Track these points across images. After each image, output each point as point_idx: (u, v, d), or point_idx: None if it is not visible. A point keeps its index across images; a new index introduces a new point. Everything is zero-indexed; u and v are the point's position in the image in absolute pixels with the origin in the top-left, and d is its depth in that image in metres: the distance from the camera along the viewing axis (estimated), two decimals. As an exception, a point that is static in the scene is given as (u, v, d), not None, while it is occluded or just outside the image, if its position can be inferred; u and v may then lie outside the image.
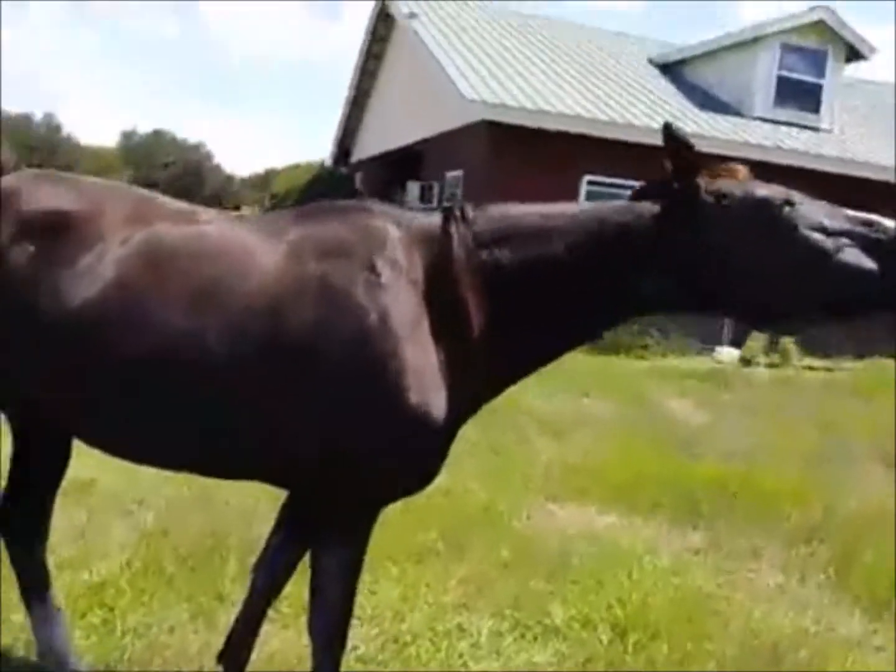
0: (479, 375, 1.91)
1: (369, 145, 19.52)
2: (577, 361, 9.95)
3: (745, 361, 11.28)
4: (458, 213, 1.92)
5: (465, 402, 1.93)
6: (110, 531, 3.69)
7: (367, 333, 1.78)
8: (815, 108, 14.38)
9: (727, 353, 11.53)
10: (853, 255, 1.68)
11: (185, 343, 1.79)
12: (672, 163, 1.77)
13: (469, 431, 6.22)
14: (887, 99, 18.63)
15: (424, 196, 14.31)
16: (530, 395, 7.62)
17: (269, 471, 1.97)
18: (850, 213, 1.76)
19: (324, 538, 1.98)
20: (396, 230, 1.90)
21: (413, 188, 14.77)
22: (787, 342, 11.57)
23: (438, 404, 1.82)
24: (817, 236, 1.70)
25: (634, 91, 13.89)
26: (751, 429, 6.96)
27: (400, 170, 15.91)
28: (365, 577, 3.13)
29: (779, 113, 14.12)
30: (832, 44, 14.24)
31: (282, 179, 38.00)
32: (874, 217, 1.74)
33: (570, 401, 7.63)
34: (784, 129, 13.90)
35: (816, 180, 12.53)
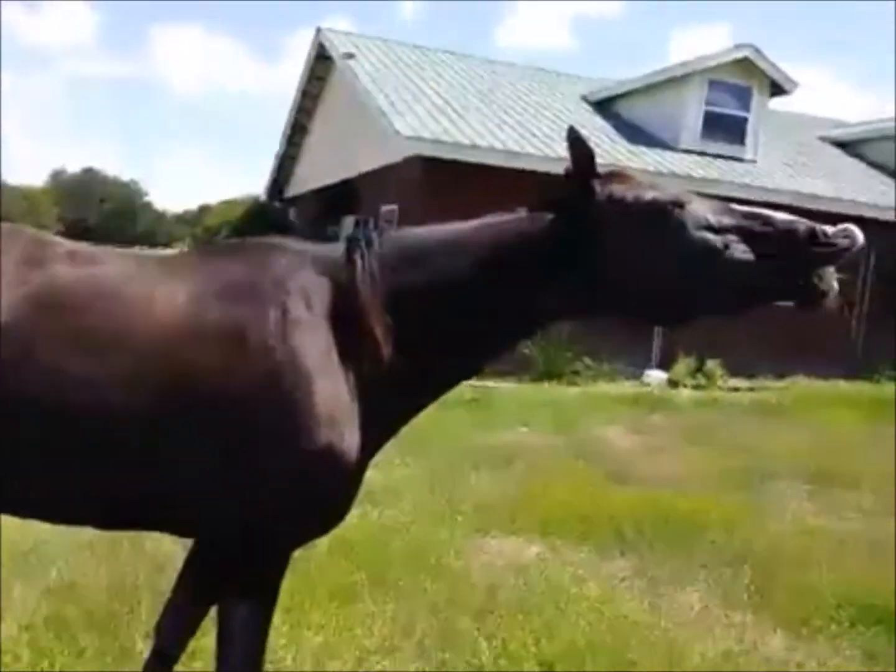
0: (391, 405, 1.90)
1: (305, 181, 19.57)
2: (512, 391, 10.10)
3: (673, 384, 11.57)
4: (362, 241, 1.92)
5: (378, 434, 1.94)
6: (9, 589, 3.39)
7: (274, 374, 1.75)
8: (741, 141, 15.01)
9: (655, 377, 11.80)
10: (740, 250, 1.73)
11: (79, 390, 1.71)
12: (573, 167, 1.82)
13: (403, 466, 6.25)
14: (808, 131, 19.53)
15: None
16: (467, 427, 7.69)
17: (174, 522, 1.92)
18: (739, 208, 1.81)
19: (231, 589, 1.92)
20: (301, 265, 1.89)
21: (348, 223, 14.83)
22: (713, 364, 11.91)
23: (350, 442, 1.81)
24: (705, 234, 1.75)
25: (567, 125, 14.21)
26: (678, 452, 7.13)
27: (335, 205, 15.99)
28: (284, 627, 3.11)
29: (706, 145, 14.69)
30: (756, 80, 14.87)
31: (215, 215, 37.64)
32: (762, 211, 1.82)
33: (506, 431, 7.70)
34: (711, 160, 14.43)
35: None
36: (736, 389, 11.48)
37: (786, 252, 1.73)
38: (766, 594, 4.08)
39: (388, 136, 12.31)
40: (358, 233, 1.97)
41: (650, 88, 15.46)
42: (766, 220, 1.77)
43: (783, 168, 15.37)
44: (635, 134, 14.95)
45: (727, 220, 1.76)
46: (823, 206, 13.80)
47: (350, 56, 15.17)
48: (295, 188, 20.76)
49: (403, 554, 4.24)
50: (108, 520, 1.98)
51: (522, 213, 1.93)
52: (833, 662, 3.45)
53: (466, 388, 9.87)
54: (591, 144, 1.84)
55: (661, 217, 1.77)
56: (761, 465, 6.65)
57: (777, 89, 15.23)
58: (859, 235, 1.72)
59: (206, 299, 1.80)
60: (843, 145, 18.91)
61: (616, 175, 1.88)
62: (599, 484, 5.87)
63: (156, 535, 3.45)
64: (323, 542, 3.54)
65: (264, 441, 1.76)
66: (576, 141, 1.82)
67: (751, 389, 11.51)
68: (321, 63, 17.35)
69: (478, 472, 6.03)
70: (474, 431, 7.53)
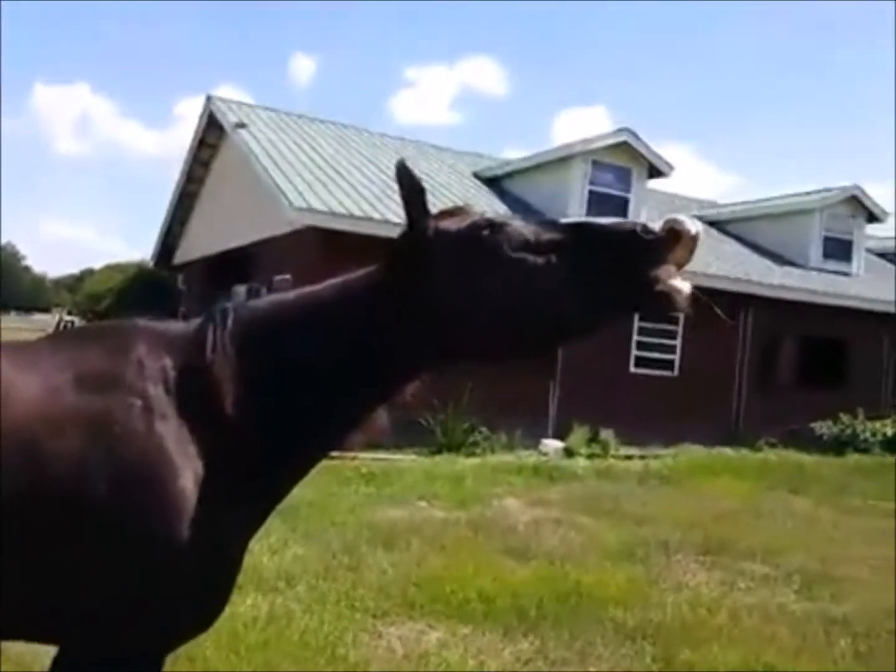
0: (260, 485, 1.82)
1: (194, 248, 19.13)
2: (410, 463, 9.94)
3: (569, 453, 11.70)
4: (217, 315, 1.85)
5: (250, 517, 1.84)
6: None
7: (136, 466, 1.65)
8: (623, 219, 15.70)
9: (552, 446, 11.92)
10: (562, 266, 1.62)
11: None
12: (404, 205, 1.74)
13: (296, 547, 5.94)
14: (684, 210, 20.74)
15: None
16: (364, 502, 7.47)
17: (34, 628, 1.75)
18: (564, 221, 1.72)
19: None
20: (160, 347, 1.80)
21: (240, 291, 14.49)
22: (606, 434, 12.16)
23: (219, 532, 1.72)
24: (523, 255, 1.64)
25: (459, 201, 14.55)
26: (577, 524, 7.13)
27: (227, 273, 15.62)
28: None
29: (590, 223, 15.31)
30: (635, 162, 15.75)
31: (98, 280, 36.18)
32: (585, 220, 1.73)
33: (404, 506, 7.51)
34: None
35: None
36: (629, 458, 11.71)
37: (614, 255, 1.59)
38: (668, 669, 4.05)
39: (281, 207, 12.22)
40: (216, 307, 1.90)
41: (538, 167, 16.12)
42: (587, 228, 1.68)
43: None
44: (524, 210, 15.44)
45: (549, 236, 1.66)
46: (703, 283, 14.55)
47: (242, 125, 15.10)
48: (184, 255, 20.25)
49: (297, 646, 4.00)
50: None
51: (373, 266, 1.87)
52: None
53: (362, 462, 9.64)
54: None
55: (477, 243, 1.69)
56: (657, 536, 6.72)
57: (655, 171, 16.15)
58: (687, 223, 1.56)
59: (63, 390, 1.70)
60: (716, 224, 20.19)
61: (449, 212, 1.82)
62: (500, 560, 5.76)
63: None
64: (209, 636, 3.27)
65: (128, 537, 1.65)
66: (405, 177, 1.72)
67: (642, 458, 11.77)
68: (212, 130, 17.19)
69: (375, 551, 5.81)
70: (371, 507, 7.31)
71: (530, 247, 1.65)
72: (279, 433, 1.80)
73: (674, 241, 1.55)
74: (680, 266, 1.57)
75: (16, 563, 1.62)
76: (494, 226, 1.69)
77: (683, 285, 1.55)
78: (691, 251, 1.55)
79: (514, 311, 1.66)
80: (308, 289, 1.92)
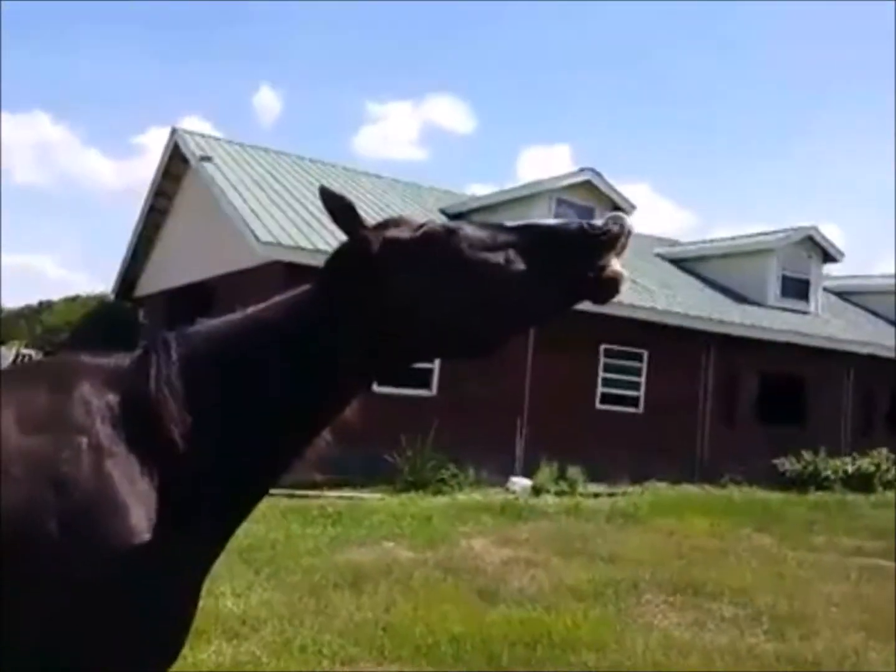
0: (212, 518, 1.77)
1: (157, 280, 18.86)
2: (376, 502, 9.82)
3: (537, 491, 11.65)
4: (158, 345, 1.81)
5: (204, 551, 1.80)
6: None
7: (84, 505, 1.60)
8: (625, 238, 15.92)
9: (520, 484, 11.87)
10: (522, 261, 1.75)
11: None
12: (337, 222, 1.79)
13: (261, 590, 5.78)
14: (646, 248, 21.08)
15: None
16: (330, 543, 7.33)
17: None
18: (512, 224, 1.83)
19: None
20: (104, 383, 1.75)
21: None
22: (574, 471, 12.15)
23: (175, 568, 1.67)
24: (484, 255, 1.75)
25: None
26: (546, 565, 7.06)
27: (190, 306, 15.41)
28: None
29: (554, 261, 15.46)
30: (598, 200, 16.05)
31: (58, 312, 35.52)
32: (534, 221, 1.85)
33: (371, 547, 7.38)
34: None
35: (585, 319, 13.68)
36: (596, 495, 11.71)
37: (565, 252, 1.75)
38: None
39: (246, 241, 12.14)
40: (157, 336, 1.86)
41: (504, 204, 16.32)
42: (539, 229, 1.81)
43: (624, 282, 16.31)
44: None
45: (503, 237, 1.77)
46: (666, 320, 14.79)
47: (207, 159, 15.02)
48: (146, 287, 19.96)
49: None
50: None
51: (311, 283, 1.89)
52: None
53: (328, 501, 9.49)
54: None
55: (438, 248, 1.76)
56: (626, 576, 6.69)
57: (617, 209, 16.42)
58: (627, 220, 1.78)
59: (3, 434, 1.63)
60: (677, 262, 20.56)
61: (391, 222, 1.87)
62: (470, 602, 5.67)
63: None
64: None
65: (80, 581, 1.58)
66: (330, 198, 1.78)
67: (610, 495, 11.78)
68: (176, 163, 17.07)
69: (342, 594, 5.68)
70: (338, 548, 7.18)
71: (488, 247, 1.76)
72: (230, 463, 1.77)
73: (617, 234, 1.76)
74: (617, 255, 1.78)
75: None
76: (451, 231, 1.78)
77: (623, 270, 1.78)
78: (626, 244, 1.78)
79: (476, 310, 1.75)
80: (250, 310, 1.91)
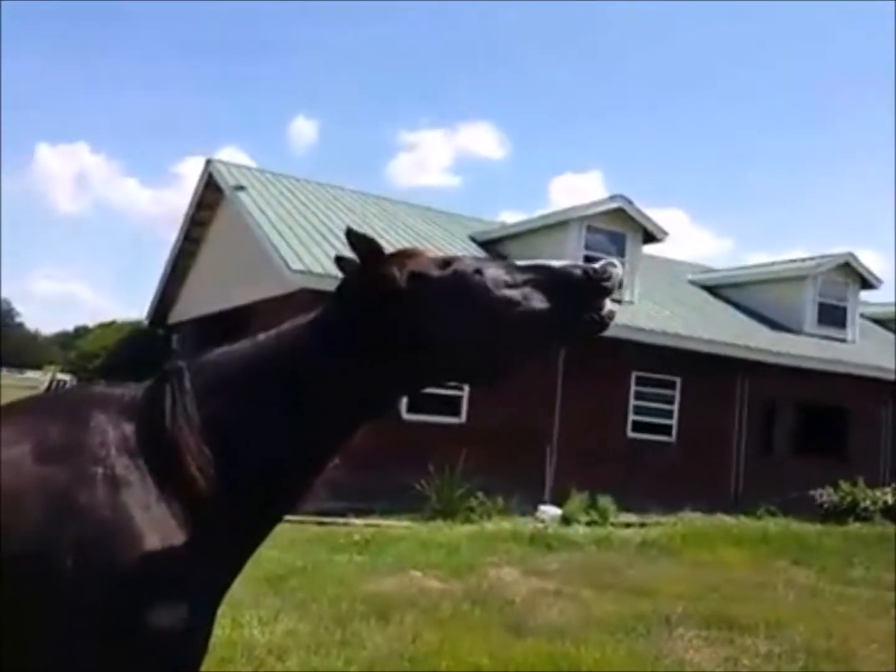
0: (228, 545, 1.79)
1: (190, 307, 19.13)
2: (404, 530, 9.75)
3: (566, 520, 11.47)
4: (172, 374, 1.83)
5: (220, 578, 1.80)
6: None
7: (101, 535, 1.60)
8: (619, 284, 15.75)
9: (549, 513, 11.70)
10: (537, 299, 1.90)
11: None
12: (366, 262, 1.87)
13: (286, 619, 5.75)
14: (679, 275, 20.93)
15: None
16: (356, 572, 7.28)
17: None
18: (523, 263, 1.99)
19: None
20: (120, 413, 1.77)
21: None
22: (605, 501, 11.96)
23: (192, 602, 1.67)
24: (507, 292, 1.90)
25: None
26: (576, 597, 6.94)
27: (222, 333, 15.56)
28: None
29: (586, 288, 15.30)
30: (630, 227, 15.90)
31: (93, 338, 36.13)
32: (542, 262, 2.01)
33: (398, 576, 7.31)
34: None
35: (616, 346, 13.57)
36: (628, 525, 11.50)
37: (571, 292, 1.93)
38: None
39: (277, 268, 12.27)
40: (170, 365, 1.88)
41: (535, 231, 16.26)
42: (550, 270, 1.96)
43: (657, 310, 16.23)
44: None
45: (520, 277, 1.92)
46: (700, 348, 14.60)
47: (241, 188, 15.27)
48: (179, 314, 20.24)
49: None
50: None
51: (317, 312, 1.96)
52: None
53: (355, 529, 9.45)
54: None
55: (468, 286, 1.89)
56: (658, 609, 6.54)
57: (649, 236, 16.33)
58: (619, 267, 1.99)
59: (22, 462, 1.64)
60: (711, 289, 20.35)
61: (404, 253, 1.96)
62: (498, 635, 5.57)
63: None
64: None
65: (97, 611, 1.59)
66: (357, 240, 1.88)
67: (642, 525, 11.56)
68: (210, 192, 17.36)
69: (368, 624, 5.62)
70: (364, 577, 7.12)
71: (510, 285, 1.91)
72: (247, 490, 1.79)
73: (612, 279, 1.95)
74: (608, 296, 1.99)
75: None
76: (478, 269, 1.92)
77: (615, 306, 1.98)
78: (617, 286, 1.99)
79: (492, 342, 1.90)
80: (261, 336, 1.95)
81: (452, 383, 2.38)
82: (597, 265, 1.96)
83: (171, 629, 1.64)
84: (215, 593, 1.81)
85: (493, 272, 1.92)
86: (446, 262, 1.94)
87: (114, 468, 1.67)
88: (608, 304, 1.97)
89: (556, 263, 1.99)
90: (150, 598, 1.61)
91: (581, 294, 1.94)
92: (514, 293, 1.90)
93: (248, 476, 1.80)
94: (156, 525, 1.66)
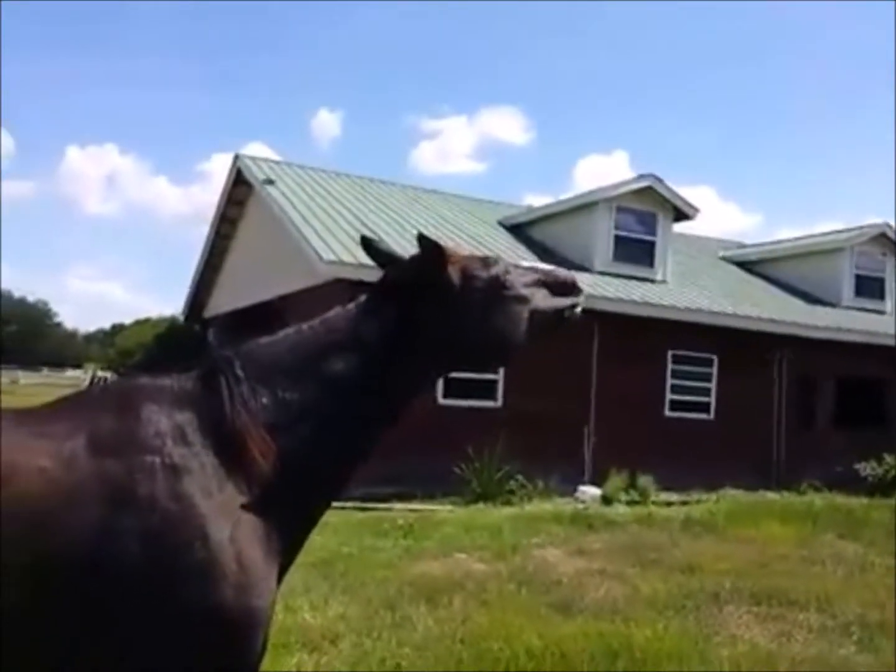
0: (288, 525, 1.82)
1: (224, 301, 19.32)
2: (446, 514, 9.80)
3: (607, 500, 11.45)
4: (223, 364, 1.88)
5: (280, 565, 1.82)
6: None
7: (166, 527, 1.62)
8: (650, 263, 15.62)
9: (589, 493, 11.68)
10: (540, 297, 2.21)
11: None
12: (432, 263, 2.04)
13: (337, 604, 5.81)
14: (710, 252, 20.67)
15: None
16: (402, 556, 7.34)
17: None
18: (525, 264, 2.30)
19: None
20: (171, 402, 1.79)
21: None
22: (645, 479, 11.90)
23: (260, 588, 1.69)
24: (523, 291, 2.17)
25: (483, 248, 14.62)
26: (621, 575, 6.93)
27: (256, 326, 15.67)
28: None
29: (618, 267, 15.20)
30: (660, 207, 15.70)
31: (130, 335, 36.69)
32: (537, 264, 2.38)
33: (442, 559, 7.36)
34: (625, 281, 14.88)
35: (651, 326, 13.47)
36: (669, 504, 11.45)
37: (561, 290, 2.28)
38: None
39: (309, 260, 12.33)
40: (218, 356, 1.94)
41: (563, 214, 16.14)
42: (543, 272, 2.29)
43: (691, 287, 16.05)
44: (550, 257, 15.40)
45: (529, 278, 2.21)
46: (736, 324, 14.44)
47: (270, 182, 15.34)
48: (213, 309, 20.45)
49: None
50: None
51: (361, 300, 2.10)
52: None
53: (398, 513, 9.52)
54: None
55: (502, 287, 2.13)
56: (706, 587, 6.51)
57: (679, 214, 16.12)
58: (577, 276, 2.42)
59: (76, 457, 1.65)
60: (743, 265, 20.07)
61: (454, 256, 2.10)
62: (546, 615, 5.60)
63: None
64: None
65: (167, 605, 1.60)
66: (427, 242, 2.03)
67: (683, 503, 11.51)
68: (240, 187, 17.46)
69: (418, 607, 5.67)
70: (410, 561, 7.19)
71: (525, 286, 2.19)
72: (305, 476, 1.84)
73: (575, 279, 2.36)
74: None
75: (50, 648, 1.58)
76: (508, 272, 2.16)
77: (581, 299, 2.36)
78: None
79: (514, 333, 2.14)
80: (305, 326, 2.03)
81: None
82: (564, 271, 2.36)
83: (239, 616, 1.66)
84: (277, 578, 1.82)
85: (514, 276, 2.18)
86: (486, 263, 2.15)
87: (172, 457, 1.68)
88: (581, 300, 2.35)
89: (544, 266, 2.35)
90: (218, 586, 1.62)
91: (569, 291, 2.30)
92: (527, 291, 2.19)
93: (305, 460, 1.84)
94: (219, 512, 1.67)
